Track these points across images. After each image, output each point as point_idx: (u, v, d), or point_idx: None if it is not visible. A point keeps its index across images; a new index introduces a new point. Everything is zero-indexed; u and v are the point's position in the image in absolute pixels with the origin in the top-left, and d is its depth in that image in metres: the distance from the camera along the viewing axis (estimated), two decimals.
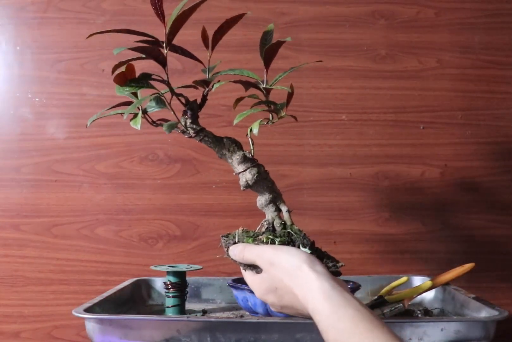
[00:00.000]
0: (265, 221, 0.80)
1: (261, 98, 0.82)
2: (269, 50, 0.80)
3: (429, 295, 1.06)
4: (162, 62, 0.76)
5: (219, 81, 0.80)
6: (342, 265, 0.75)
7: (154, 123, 0.80)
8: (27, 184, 1.23)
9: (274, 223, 0.79)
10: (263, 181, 0.79)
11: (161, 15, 0.77)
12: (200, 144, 1.25)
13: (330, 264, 0.74)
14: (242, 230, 0.79)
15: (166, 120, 0.80)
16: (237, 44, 1.25)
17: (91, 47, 1.24)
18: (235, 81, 0.79)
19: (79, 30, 1.24)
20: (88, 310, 0.84)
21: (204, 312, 1.02)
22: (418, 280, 1.10)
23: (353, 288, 0.96)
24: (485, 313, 0.85)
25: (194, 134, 0.80)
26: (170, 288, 0.98)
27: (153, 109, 0.80)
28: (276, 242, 0.74)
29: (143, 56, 0.77)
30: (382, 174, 1.25)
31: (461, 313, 0.94)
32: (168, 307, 0.98)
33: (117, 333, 0.80)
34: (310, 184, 1.25)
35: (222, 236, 0.79)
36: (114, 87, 1.23)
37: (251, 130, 0.79)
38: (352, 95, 1.26)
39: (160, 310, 1.04)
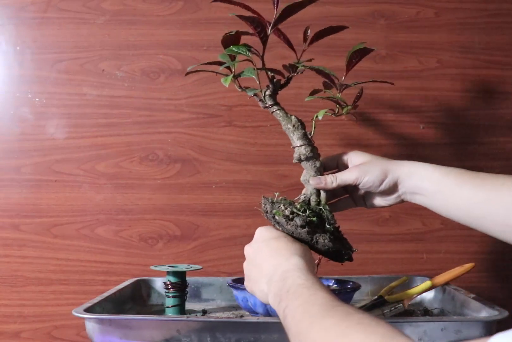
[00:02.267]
0: (303, 194, 0.88)
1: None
2: (353, 55, 0.92)
3: (429, 295, 1.06)
4: (264, 38, 0.86)
5: (303, 71, 0.91)
6: (355, 250, 0.85)
7: (240, 87, 0.90)
8: (27, 184, 1.23)
9: (311, 198, 0.87)
10: (314, 160, 0.88)
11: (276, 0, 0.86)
12: (200, 144, 1.26)
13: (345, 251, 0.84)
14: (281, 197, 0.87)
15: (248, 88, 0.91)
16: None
17: (91, 47, 1.24)
18: (317, 71, 0.91)
19: (79, 30, 1.24)
20: (88, 310, 0.84)
21: (204, 312, 1.02)
22: (418, 280, 1.10)
23: (353, 288, 0.95)
24: (485, 313, 0.85)
25: (270, 105, 0.90)
26: (170, 288, 0.98)
27: (243, 75, 0.89)
28: (307, 212, 0.82)
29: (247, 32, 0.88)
30: None
31: (461, 313, 0.94)
32: (168, 307, 0.99)
33: (117, 333, 0.80)
34: None
35: (263, 196, 0.87)
36: (114, 87, 1.25)
37: (316, 116, 0.91)
38: (352, 95, 1.26)
39: (160, 310, 1.04)
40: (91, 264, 1.23)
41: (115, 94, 1.25)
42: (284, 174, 1.25)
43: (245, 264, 0.82)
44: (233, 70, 0.88)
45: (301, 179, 0.89)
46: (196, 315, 0.99)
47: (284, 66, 0.92)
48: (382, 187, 0.84)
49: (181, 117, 1.25)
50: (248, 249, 0.82)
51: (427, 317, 0.96)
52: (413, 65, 1.26)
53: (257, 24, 0.84)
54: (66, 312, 1.21)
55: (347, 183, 0.85)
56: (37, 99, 1.24)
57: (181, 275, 0.99)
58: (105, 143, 1.24)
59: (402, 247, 1.25)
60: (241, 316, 0.95)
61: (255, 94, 0.89)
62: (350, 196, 0.91)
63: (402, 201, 0.86)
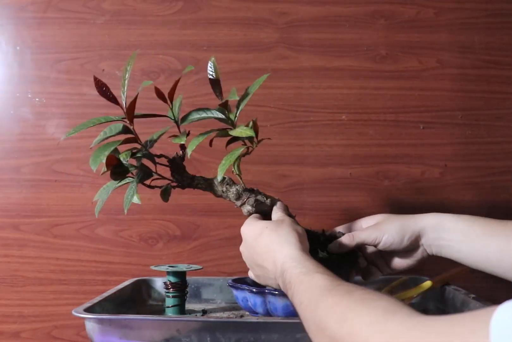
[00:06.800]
0: None
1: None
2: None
3: (429, 295, 1.06)
4: (135, 141, 0.85)
5: (189, 131, 0.88)
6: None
7: (150, 187, 0.87)
8: (27, 184, 1.23)
9: None
10: (262, 204, 0.86)
11: (113, 100, 0.86)
12: (201, 144, 1.26)
13: None
14: None
15: (161, 176, 0.88)
16: (237, 44, 1.25)
17: (91, 47, 1.24)
18: (208, 132, 0.88)
19: (79, 30, 1.24)
20: (88, 310, 0.84)
21: (204, 312, 1.02)
22: (418, 280, 1.10)
23: None
24: None
25: (188, 185, 0.87)
26: (170, 288, 0.98)
27: (144, 180, 0.86)
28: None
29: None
30: (382, 174, 1.25)
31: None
32: (168, 307, 0.98)
33: (117, 333, 0.80)
34: (310, 184, 1.25)
35: None
36: (114, 87, 1.24)
37: (234, 167, 0.86)
38: (352, 95, 1.26)
39: (160, 310, 1.03)
40: (91, 264, 1.23)
41: (115, 94, 1.24)
42: (284, 173, 1.25)
43: (248, 263, 0.83)
44: (135, 184, 0.84)
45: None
46: (196, 315, 0.99)
47: (172, 138, 0.88)
48: (405, 243, 0.81)
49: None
50: (243, 251, 0.83)
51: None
52: (413, 65, 1.26)
53: (129, 141, 0.84)
54: (66, 312, 1.21)
55: (365, 242, 0.83)
56: (37, 99, 1.24)
57: (181, 275, 0.99)
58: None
59: None
60: (241, 316, 0.95)
61: (174, 188, 0.87)
62: (372, 264, 0.88)
63: (428, 255, 0.84)
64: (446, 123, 1.26)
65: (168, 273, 0.99)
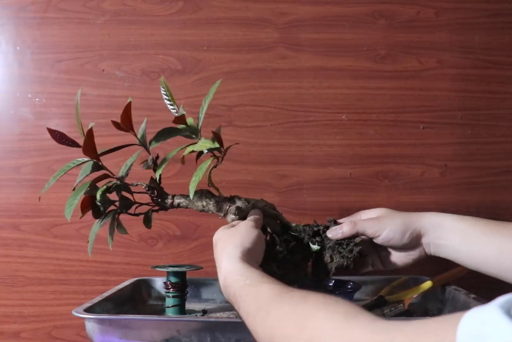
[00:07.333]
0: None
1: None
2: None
3: (429, 295, 1.06)
4: (107, 177, 0.86)
5: (157, 155, 0.90)
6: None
7: (135, 215, 0.88)
8: (27, 184, 1.23)
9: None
10: (244, 211, 0.86)
11: (74, 144, 0.89)
12: None
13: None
14: None
15: (141, 203, 0.89)
16: (237, 44, 1.25)
17: (91, 47, 1.24)
18: (167, 158, 0.89)
19: (79, 30, 1.24)
20: (88, 310, 0.84)
21: (204, 312, 1.02)
22: (418, 280, 1.10)
23: (354, 289, 0.95)
24: None
25: (170, 205, 0.87)
26: (170, 288, 0.98)
27: (127, 210, 0.87)
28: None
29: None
30: (382, 174, 1.25)
31: None
32: (168, 307, 0.98)
33: (117, 333, 0.80)
34: (310, 184, 1.25)
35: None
36: (114, 87, 1.25)
37: (209, 180, 0.87)
38: (352, 95, 1.26)
39: (160, 310, 1.03)
40: (91, 264, 1.23)
41: (115, 94, 1.25)
42: (284, 173, 1.25)
43: None
44: (117, 215, 0.85)
45: None
46: (196, 315, 0.99)
47: (143, 164, 0.90)
48: (405, 240, 0.80)
49: None
50: None
51: (428, 317, 0.96)
52: (413, 65, 1.26)
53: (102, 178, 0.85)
54: (66, 312, 1.21)
55: (366, 232, 0.81)
56: (37, 99, 1.24)
57: (181, 275, 0.99)
58: (105, 143, 1.24)
59: None
60: None
61: (157, 211, 0.87)
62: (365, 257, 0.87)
63: (425, 255, 0.82)
64: (446, 123, 1.26)
65: (168, 273, 0.99)
